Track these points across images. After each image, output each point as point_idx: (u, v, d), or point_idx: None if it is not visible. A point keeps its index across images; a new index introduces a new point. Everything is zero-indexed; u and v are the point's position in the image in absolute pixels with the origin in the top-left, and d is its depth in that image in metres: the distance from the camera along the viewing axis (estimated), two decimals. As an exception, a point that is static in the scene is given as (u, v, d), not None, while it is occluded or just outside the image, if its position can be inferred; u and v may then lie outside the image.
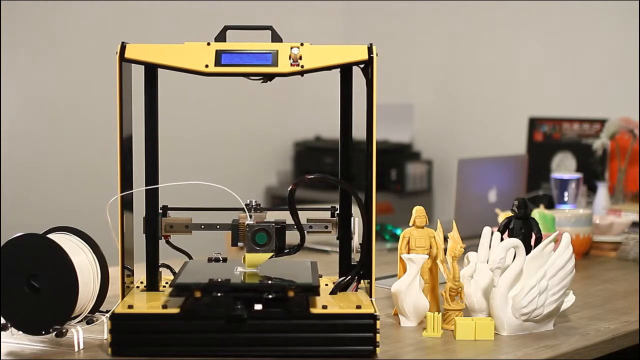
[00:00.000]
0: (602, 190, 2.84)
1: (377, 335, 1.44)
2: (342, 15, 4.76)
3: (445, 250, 1.68)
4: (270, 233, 1.52)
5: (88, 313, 1.54)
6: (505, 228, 1.74)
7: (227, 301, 1.43)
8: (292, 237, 1.58)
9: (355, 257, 1.63)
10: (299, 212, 1.55)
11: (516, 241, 1.61)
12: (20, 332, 1.48)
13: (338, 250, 1.68)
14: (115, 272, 1.54)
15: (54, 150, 3.90)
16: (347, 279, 1.59)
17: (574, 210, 2.56)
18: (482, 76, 4.27)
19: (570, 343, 1.58)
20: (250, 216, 1.55)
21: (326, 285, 1.62)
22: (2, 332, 1.47)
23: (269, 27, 1.58)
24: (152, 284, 1.61)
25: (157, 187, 1.62)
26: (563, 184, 2.72)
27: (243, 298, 1.43)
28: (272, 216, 1.59)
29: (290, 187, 1.53)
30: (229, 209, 1.61)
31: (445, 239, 1.68)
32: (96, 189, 3.75)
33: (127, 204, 1.55)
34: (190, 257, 1.70)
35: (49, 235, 1.51)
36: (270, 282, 1.47)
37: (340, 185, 1.63)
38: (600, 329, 1.68)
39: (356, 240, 1.63)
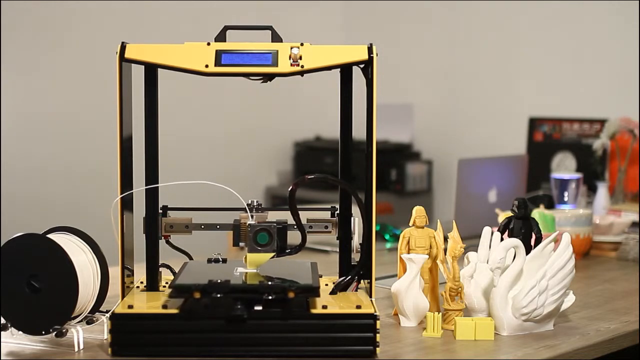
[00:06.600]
0: (602, 190, 2.84)
1: (377, 335, 1.44)
2: (342, 15, 4.76)
3: (445, 250, 1.67)
4: (272, 233, 1.53)
5: (88, 313, 1.54)
6: (505, 228, 1.74)
7: (227, 302, 1.43)
8: (293, 237, 1.58)
9: (355, 257, 1.63)
10: (299, 212, 1.55)
11: (516, 241, 1.61)
12: (20, 332, 1.48)
13: (338, 250, 1.68)
14: (115, 272, 1.54)
15: (54, 150, 3.90)
16: (347, 279, 1.59)
17: (574, 210, 2.56)
18: (482, 76, 4.26)
19: (570, 343, 1.58)
20: (252, 216, 1.55)
21: (326, 285, 1.62)
22: (2, 332, 1.47)
23: (269, 27, 1.58)
24: (152, 284, 1.61)
25: (157, 187, 1.62)
26: (563, 184, 2.72)
27: (243, 299, 1.43)
28: (273, 216, 1.59)
29: (291, 188, 1.53)
30: (230, 209, 1.61)
31: (445, 239, 1.68)
32: (96, 189, 3.76)
33: (127, 204, 1.55)
34: (190, 257, 1.70)
35: (49, 235, 1.51)
36: (270, 283, 1.47)
37: (340, 185, 1.63)
38: (600, 329, 1.68)
39: (356, 240, 1.62)
